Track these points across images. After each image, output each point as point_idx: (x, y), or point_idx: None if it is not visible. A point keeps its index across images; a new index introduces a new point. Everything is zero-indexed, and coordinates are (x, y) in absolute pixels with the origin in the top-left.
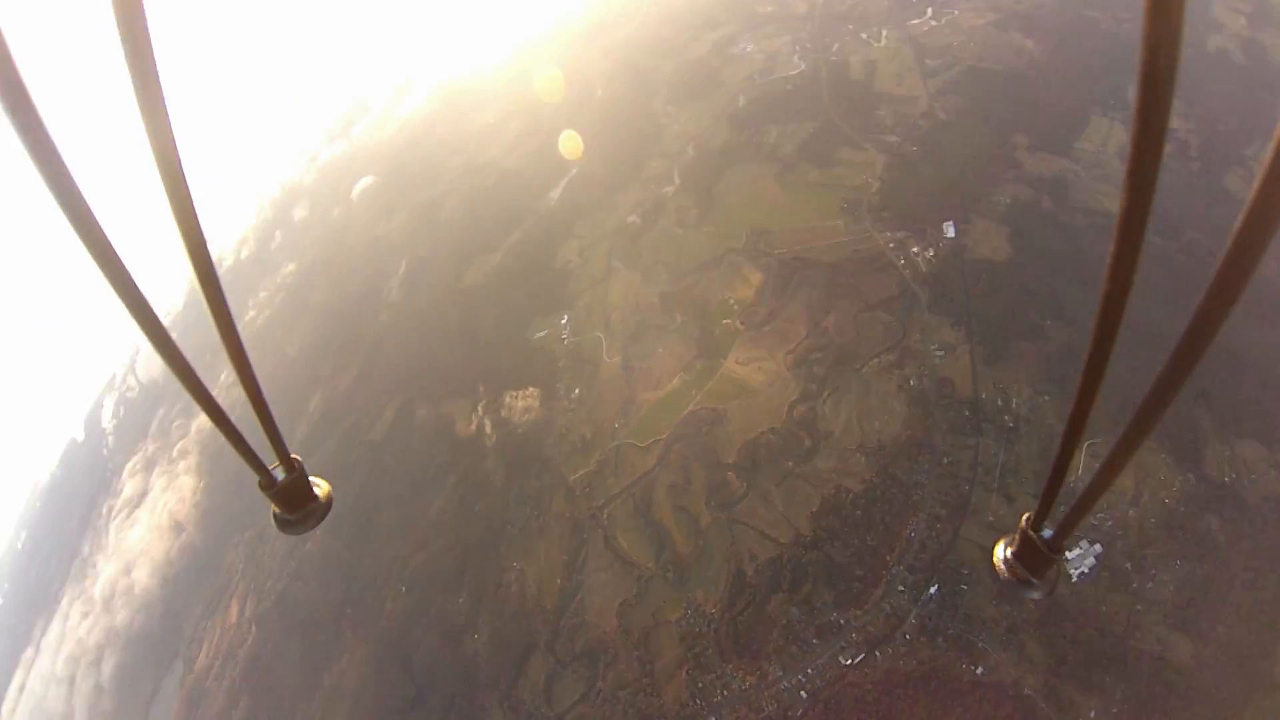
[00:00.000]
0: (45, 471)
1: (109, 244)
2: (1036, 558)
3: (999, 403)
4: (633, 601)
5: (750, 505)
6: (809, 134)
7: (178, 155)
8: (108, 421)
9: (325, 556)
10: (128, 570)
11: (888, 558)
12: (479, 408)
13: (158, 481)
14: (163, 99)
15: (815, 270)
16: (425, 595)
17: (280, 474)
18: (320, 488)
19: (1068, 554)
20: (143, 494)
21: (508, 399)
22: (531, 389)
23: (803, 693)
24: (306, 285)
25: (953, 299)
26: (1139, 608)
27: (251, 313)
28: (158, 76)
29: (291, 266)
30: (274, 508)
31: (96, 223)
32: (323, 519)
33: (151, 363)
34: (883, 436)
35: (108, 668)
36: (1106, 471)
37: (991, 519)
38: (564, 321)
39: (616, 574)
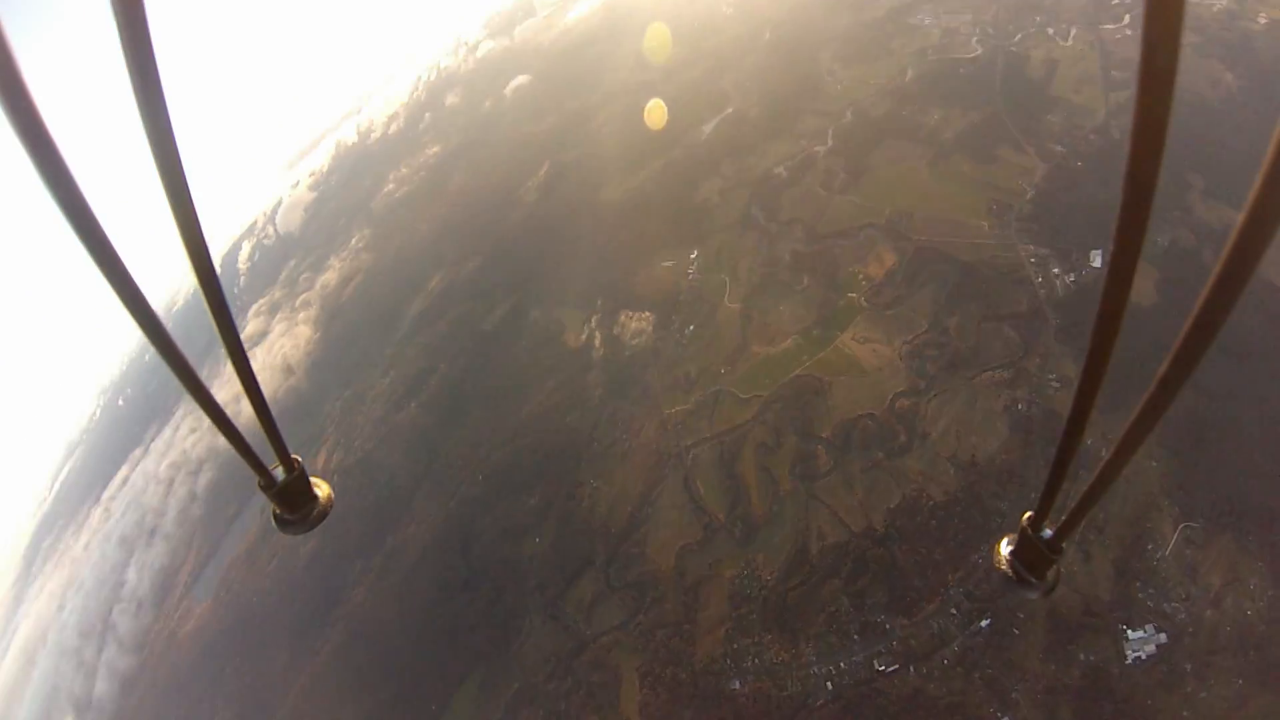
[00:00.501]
0: (180, 297)
1: (109, 243)
2: (1036, 558)
3: (1103, 453)
4: (694, 547)
5: (831, 484)
6: (972, 124)
7: (177, 153)
8: (242, 263)
9: (414, 430)
10: (236, 399)
11: (950, 577)
12: (592, 321)
13: (278, 326)
14: (162, 96)
15: (949, 266)
16: (499, 489)
17: (280, 474)
18: (321, 489)
19: (1130, 631)
20: (263, 334)
21: (622, 318)
22: (647, 314)
23: (829, 684)
24: (447, 169)
25: (1083, 332)
26: (1186, 714)
27: (390, 186)
28: (157, 72)
29: (436, 149)
30: (273, 507)
31: (96, 222)
32: (322, 519)
33: (291, 217)
34: (977, 453)
35: (203, 480)
36: (1107, 472)
37: (1063, 570)
38: (693, 256)
39: (686, 516)
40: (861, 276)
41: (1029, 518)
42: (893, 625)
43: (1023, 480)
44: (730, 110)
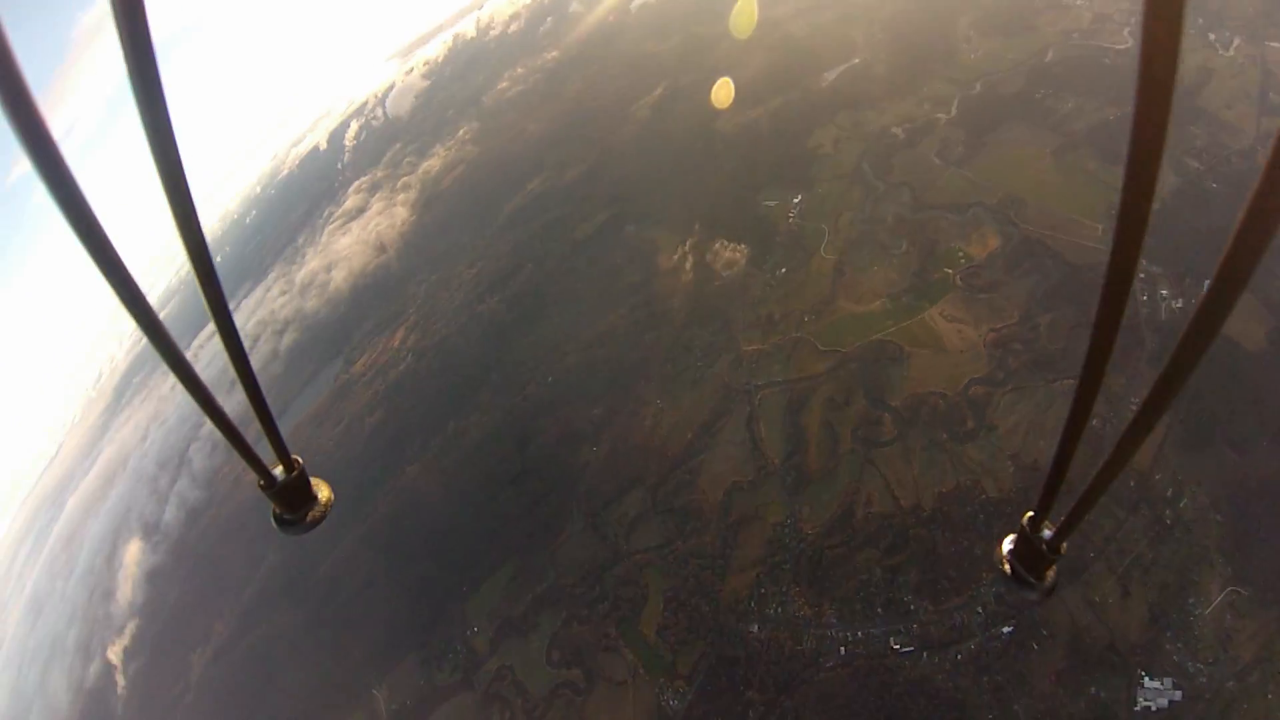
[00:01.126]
0: (285, 167)
1: (108, 243)
2: (1035, 558)
3: (1169, 493)
4: (744, 486)
5: (890, 454)
6: (1106, 119)
7: (177, 152)
8: (349, 140)
9: (492, 323)
10: (328, 268)
11: (985, 574)
12: (687, 245)
13: (376, 204)
14: (162, 94)
15: (1053, 262)
16: (565, 394)
17: (281, 475)
18: (321, 490)
19: (1148, 679)
20: (361, 210)
21: (717, 247)
22: (743, 248)
23: (842, 649)
24: (563, 76)
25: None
26: None
27: (504, 84)
28: (157, 72)
29: (554, 54)
30: (273, 507)
31: (96, 222)
32: (322, 519)
33: (401, 102)
34: (1041, 459)
35: (286, 340)
36: (1106, 473)
37: (1098, 599)
38: (796, 201)
39: (742, 454)
40: (961, 254)
41: (1029, 518)
42: (918, 608)
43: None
44: (856, 61)
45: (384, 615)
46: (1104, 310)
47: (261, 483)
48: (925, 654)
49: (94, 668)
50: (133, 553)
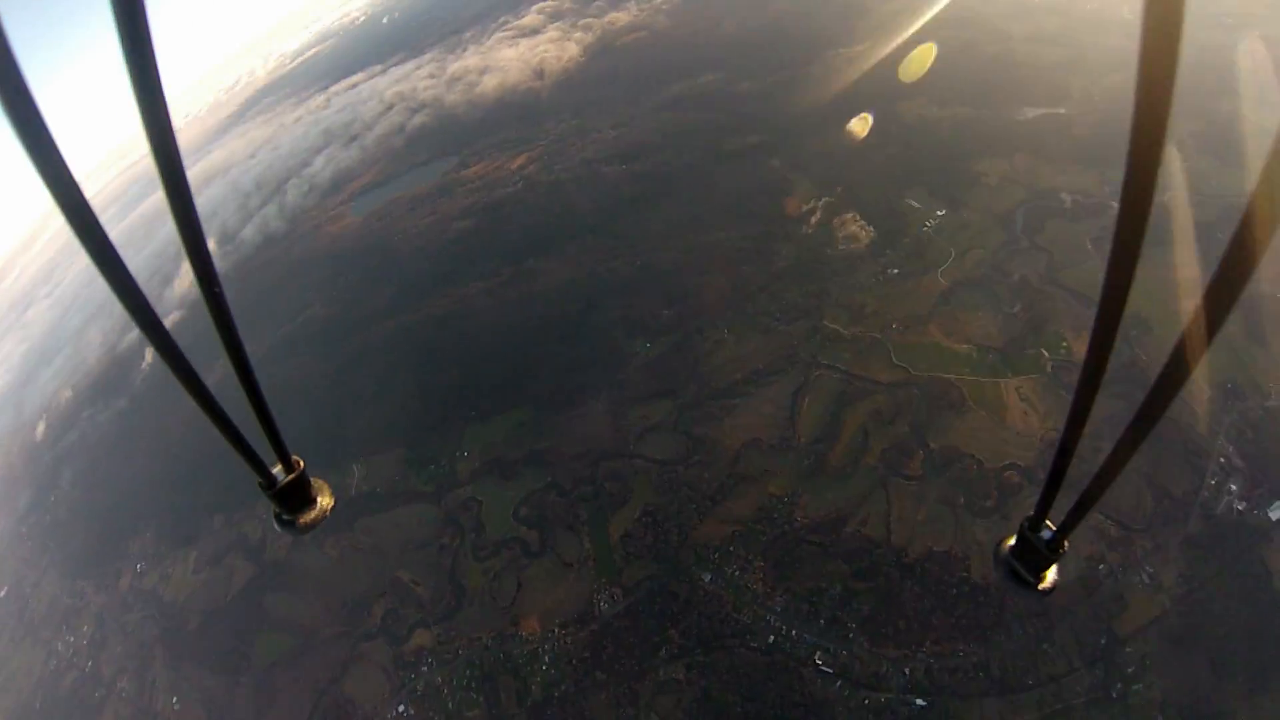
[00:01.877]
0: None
1: (108, 243)
2: (1035, 558)
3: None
4: (763, 447)
5: (906, 489)
6: None
7: (177, 154)
8: None
9: (608, 188)
10: (483, 71)
11: (929, 645)
12: (820, 201)
13: (552, 32)
14: (162, 94)
15: None
16: (645, 283)
17: (281, 475)
18: (321, 490)
19: None
20: (535, 31)
21: (848, 218)
22: (870, 230)
23: (771, 636)
24: None
25: (1219, 557)
26: None
27: None
28: (157, 71)
29: None
30: (274, 507)
31: (96, 222)
32: (321, 520)
33: None
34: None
35: (416, 120)
36: (1106, 474)
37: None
38: (939, 213)
39: (776, 418)
40: (1065, 345)
41: (1028, 518)
42: (855, 639)
43: (1053, 641)
44: (1061, 111)
45: (392, 403)
46: (1104, 311)
47: (262, 483)
48: (839, 683)
49: (129, 339)
50: None
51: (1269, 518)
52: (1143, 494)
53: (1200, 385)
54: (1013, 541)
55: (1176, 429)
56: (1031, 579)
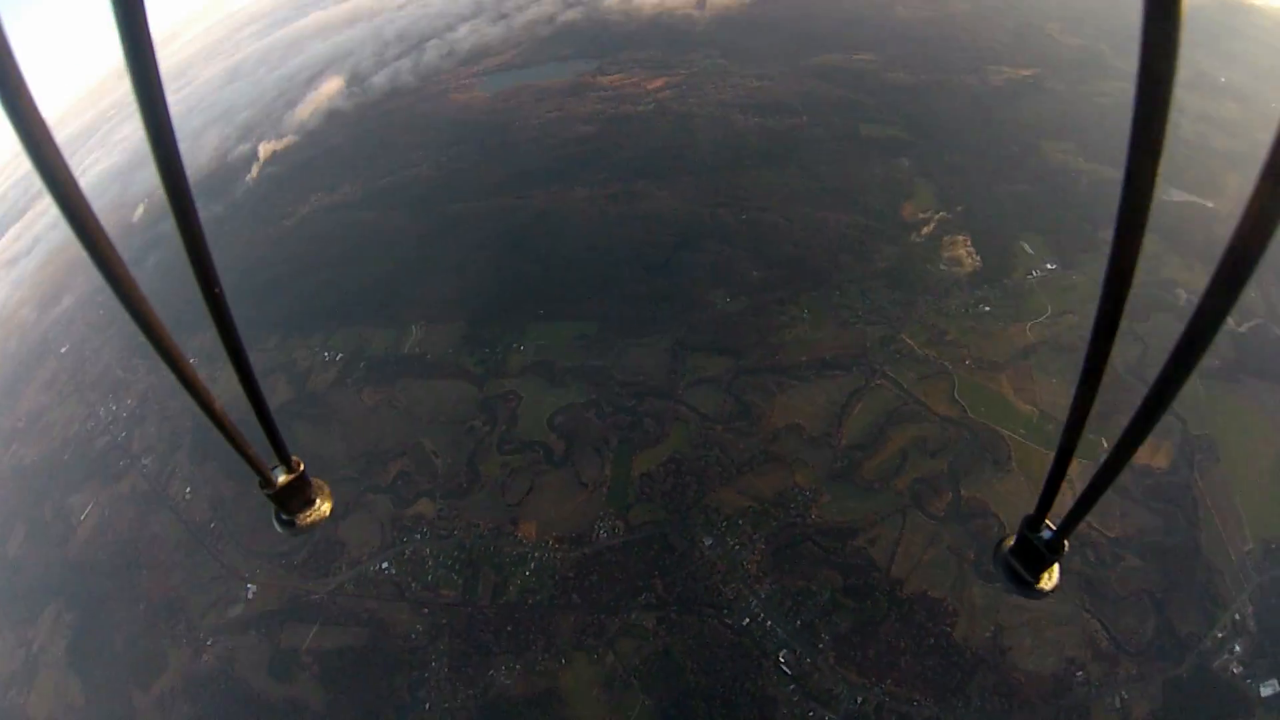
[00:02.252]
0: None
1: (109, 243)
2: (1035, 559)
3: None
4: (802, 436)
5: (922, 525)
6: None
7: (177, 152)
8: None
9: (737, 136)
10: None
11: (889, 682)
12: (936, 215)
13: None
14: (161, 93)
15: (1189, 563)
16: (742, 239)
17: (281, 475)
18: (321, 490)
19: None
20: None
21: (959, 240)
22: (977, 258)
23: (746, 620)
24: None
25: None
26: None
27: None
28: (156, 71)
29: None
30: (274, 508)
31: (97, 223)
32: (324, 518)
33: None
34: (1021, 667)
35: (567, 16)
36: (1106, 473)
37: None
38: (1049, 266)
39: (824, 412)
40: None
41: (1027, 518)
42: (824, 650)
43: None
44: (1209, 204)
45: (468, 279)
46: (1104, 312)
47: (262, 484)
48: (793, 687)
49: (243, 149)
50: (331, 87)
51: (1259, 692)
52: (1148, 618)
53: (1245, 535)
54: (1013, 541)
55: (1207, 569)
56: (1031, 579)
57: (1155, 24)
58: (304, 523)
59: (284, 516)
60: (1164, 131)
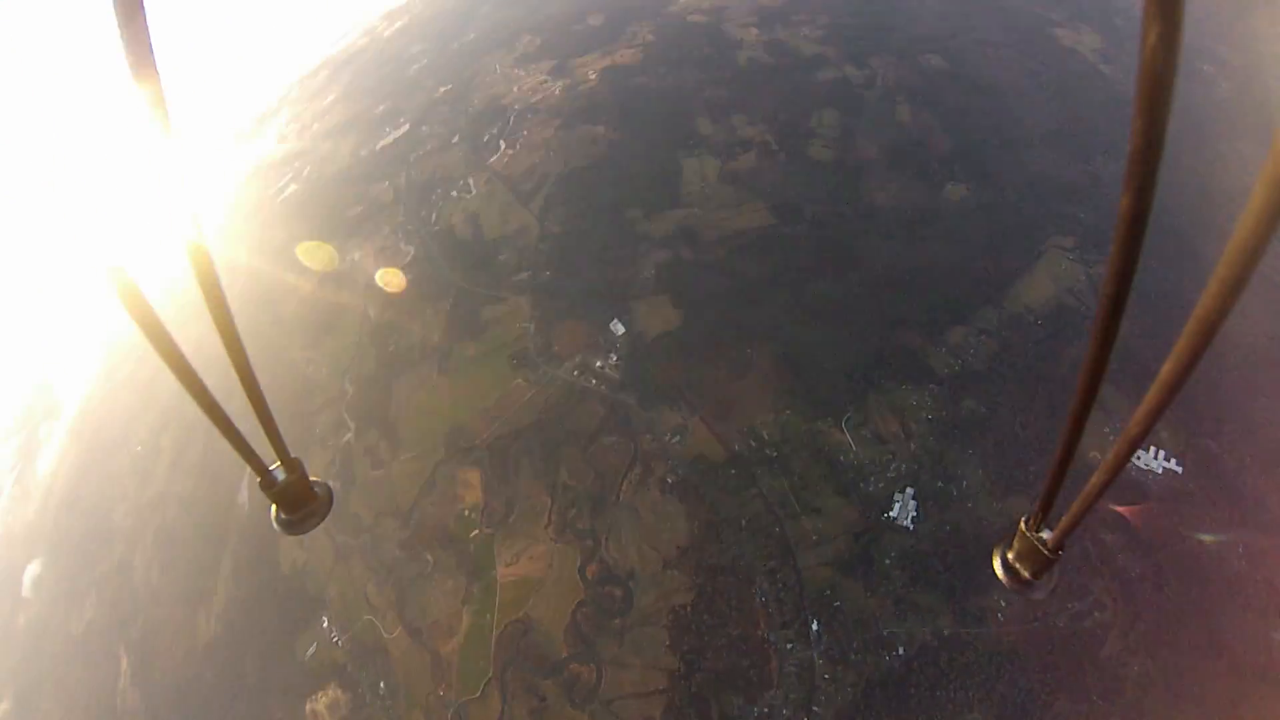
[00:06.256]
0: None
1: (108, 243)
2: (1037, 559)
3: (753, 444)
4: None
5: (611, 677)
6: (448, 311)
7: (178, 154)
8: None
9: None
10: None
11: (761, 632)
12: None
13: None
14: (162, 92)
15: (525, 436)
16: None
17: (281, 475)
18: (321, 489)
19: None
20: None
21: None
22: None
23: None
24: None
25: (656, 383)
26: None
27: None
28: (157, 71)
29: None
30: (274, 509)
31: (97, 222)
32: (324, 518)
33: None
34: (678, 541)
35: None
36: (1106, 473)
37: (815, 537)
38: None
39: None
40: (466, 510)
41: (1027, 519)
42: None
43: (728, 520)
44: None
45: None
46: (1104, 313)
47: (262, 483)
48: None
49: None
50: None
51: (620, 330)
52: (605, 453)
53: None
54: (1013, 541)
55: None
56: (1031, 579)
57: (1155, 24)
58: (303, 521)
59: (283, 516)
60: (1165, 132)
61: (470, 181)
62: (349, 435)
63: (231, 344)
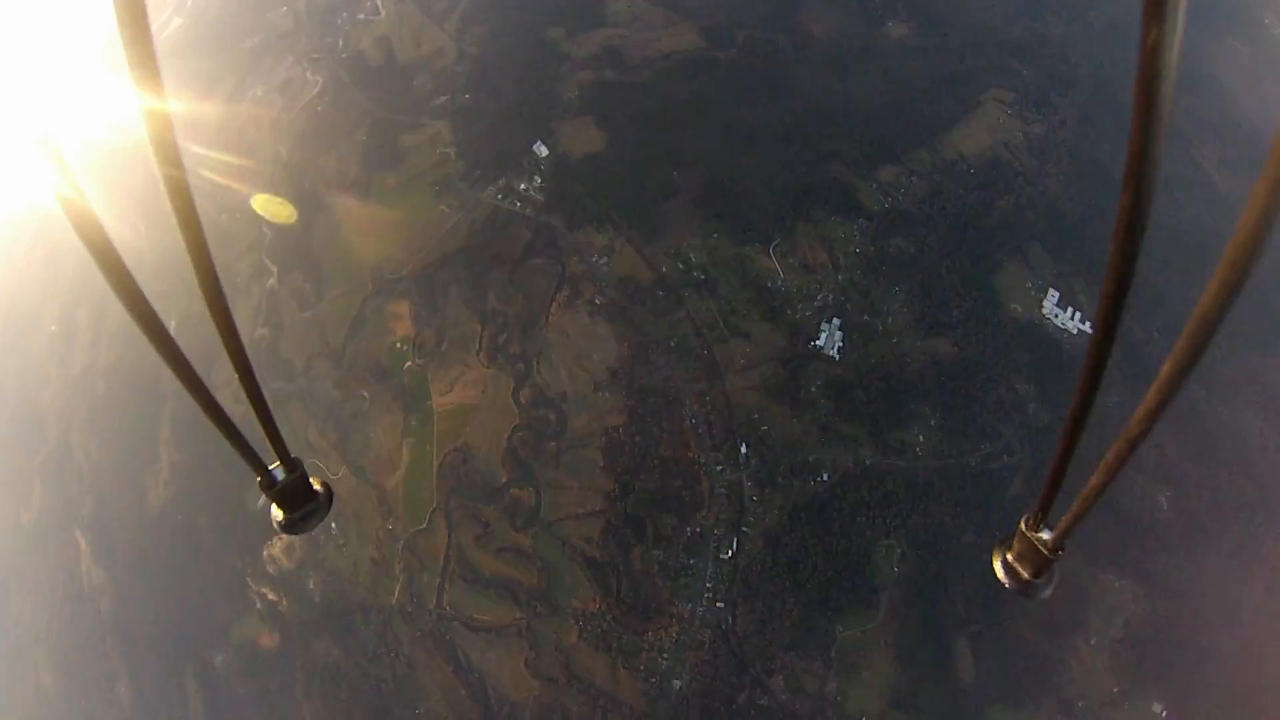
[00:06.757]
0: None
1: (108, 243)
2: (1037, 559)
3: (681, 266)
4: None
5: (550, 500)
6: (364, 141)
7: (177, 150)
8: None
9: None
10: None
11: (692, 454)
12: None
13: None
14: (161, 92)
15: (452, 263)
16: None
17: (280, 474)
18: (320, 489)
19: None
20: None
21: None
22: None
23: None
24: None
25: (582, 205)
26: None
27: None
28: (157, 70)
29: None
30: (274, 509)
31: (97, 222)
32: (324, 517)
33: None
34: (608, 362)
35: None
36: (1106, 473)
37: (743, 360)
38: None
39: None
40: (399, 343)
41: (1027, 519)
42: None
43: (657, 341)
44: None
45: None
46: (1104, 314)
47: (262, 483)
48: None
49: None
50: None
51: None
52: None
53: None
54: (1012, 541)
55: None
56: (1032, 579)
57: (1155, 24)
58: (304, 521)
59: (283, 516)
60: (1164, 130)
61: (378, 2)
62: (272, 280)
63: (231, 343)
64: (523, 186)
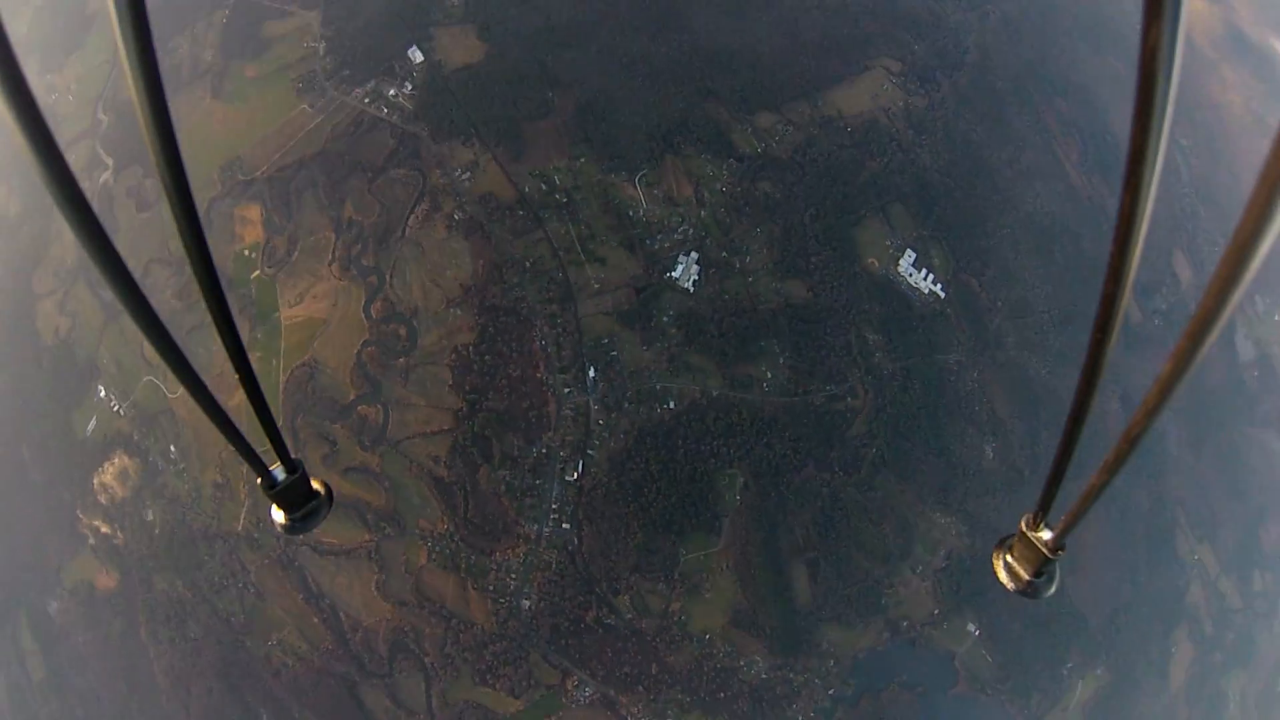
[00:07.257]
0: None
1: (109, 243)
2: (1037, 559)
3: (544, 188)
4: None
5: (398, 418)
6: (224, 25)
7: (177, 149)
8: None
9: None
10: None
11: (541, 375)
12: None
13: None
14: (161, 91)
15: (309, 167)
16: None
17: (281, 475)
18: (320, 489)
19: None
20: None
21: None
22: None
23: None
24: None
25: (451, 118)
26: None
27: None
28: (157, 70)
29: None
30: (275, 511)
31: (96, 222)
32: (325, 517)
33: None
34: (462, 279)
35: None
36: (1106, 473)
37: (597, 285)
38: None
39: None
40: (246, 250)
41: (1027, 519)
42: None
43: (512, 260)
44: None
45: None
46: (1103, 313)
47: (263, 483)
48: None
49: None
50: None
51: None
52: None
53: None
54: (1012, 543)
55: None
56: (1033, 579)
57: (1155, 24)
58: (305, 521)
59: (285, 517)
60: (1164, 131)
61: None
62: (106, 174)
63: (232, 344)
64: (392, 93)
